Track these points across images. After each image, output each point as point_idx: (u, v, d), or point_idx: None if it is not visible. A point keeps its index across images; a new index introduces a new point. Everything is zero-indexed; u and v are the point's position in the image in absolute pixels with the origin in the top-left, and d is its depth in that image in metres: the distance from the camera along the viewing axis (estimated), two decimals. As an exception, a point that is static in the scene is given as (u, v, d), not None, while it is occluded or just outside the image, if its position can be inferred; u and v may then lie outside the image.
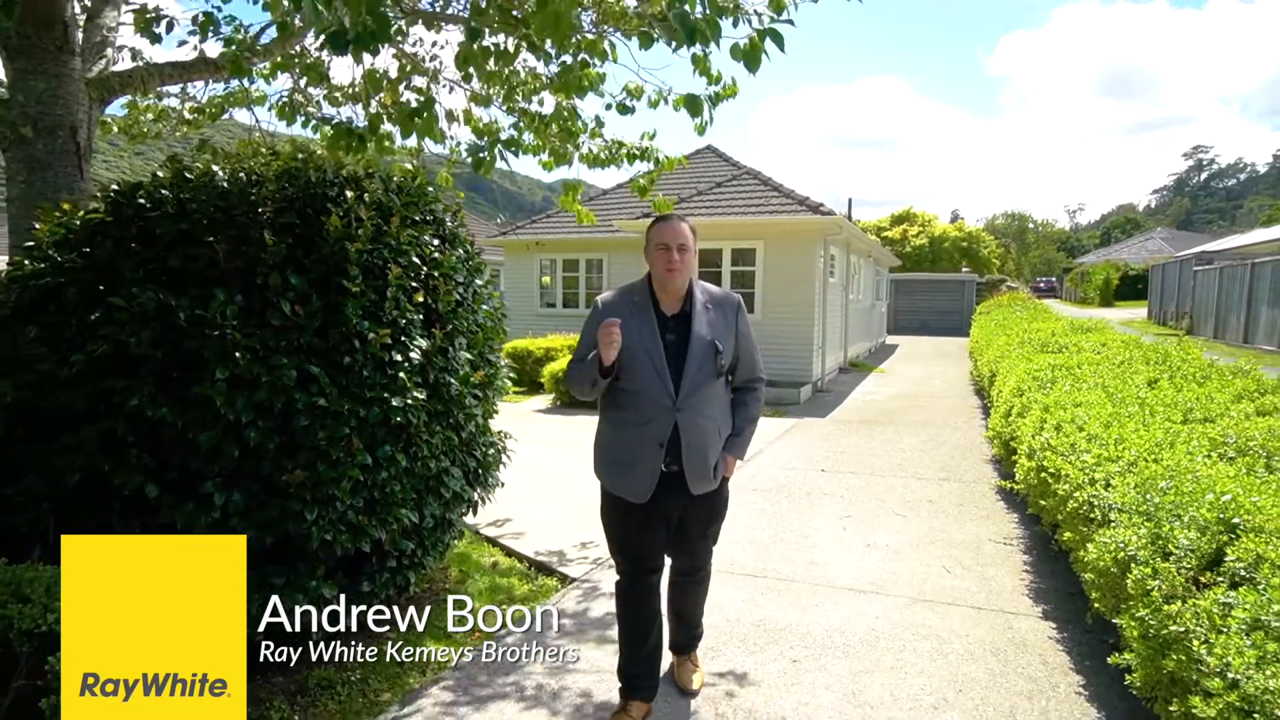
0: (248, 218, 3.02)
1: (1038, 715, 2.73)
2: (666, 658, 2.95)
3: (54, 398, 2.65)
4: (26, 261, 2.90)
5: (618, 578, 2.74)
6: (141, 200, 3.05)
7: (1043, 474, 3.78)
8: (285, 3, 4.25)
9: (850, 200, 23.55)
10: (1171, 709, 1.97)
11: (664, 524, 2.66)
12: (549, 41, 3.23)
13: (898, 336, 25.27)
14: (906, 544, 4.68)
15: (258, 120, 5.68)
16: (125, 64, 4.61)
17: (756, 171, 13.40)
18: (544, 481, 6.11)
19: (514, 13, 2.48)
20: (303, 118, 5.95)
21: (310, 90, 5.69)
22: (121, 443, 2.63)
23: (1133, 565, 2.34)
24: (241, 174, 3.22)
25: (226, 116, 6.58)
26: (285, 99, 5.74)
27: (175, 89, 6.06)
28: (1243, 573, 1.93)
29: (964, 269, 34.14)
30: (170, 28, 4.37)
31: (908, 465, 6.86)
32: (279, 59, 5.39)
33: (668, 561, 2.83)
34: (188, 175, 3.14)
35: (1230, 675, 1.66)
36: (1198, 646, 1.84)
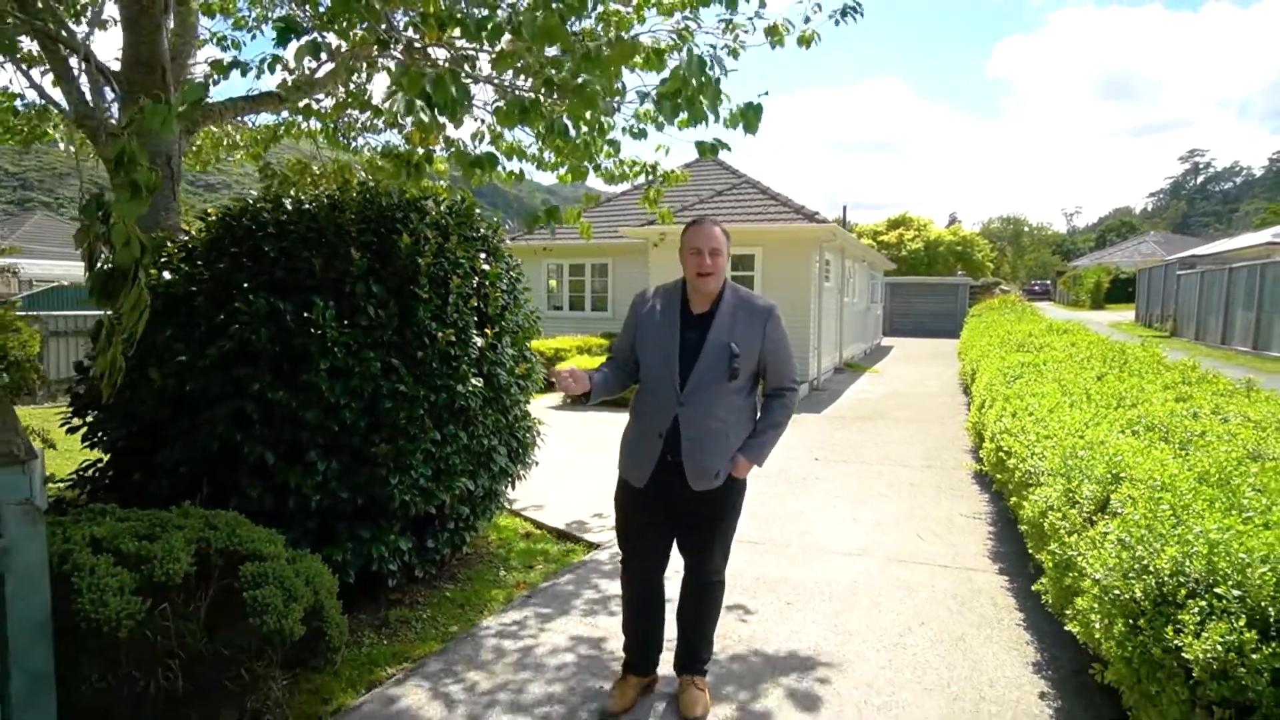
0: (336, 237, 3.67)
1: (983, 639, 3.39)
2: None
3: (195, 382, 3.30)
4: (165, 274, 3.54)
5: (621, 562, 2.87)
6: (247, 222, 3.71)
7: (1000, 453, 4.44)
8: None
9: (845, 207, 24.27)
10: (1067, 613, 2.62)
11: (663, 513, 2.71)
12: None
13: (893, 338, 25.93)
14: (888, 519, 5.33)
15: (318, 144, 6.30)
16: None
17: (755, 181, 14.09)
18: (563, 470, 6.75)
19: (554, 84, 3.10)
20: (345, 139, 6.62)
21: (356, 115, 6.34)
22: (249, 419, 3.28)
23: (1049, 513, 3.00)
24: (326, 199, 3.88)
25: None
26: (332, 125, 6.39)
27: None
28: (1119, 510, 2.58)
29: (959, 272, 34.85)
30: (245, 73, 5.03)
31: (894, 455, 7.51)
32: (329, 90, 6.05)
33: (676, 561, 2.86)
34: (284, 202, 3.81)
35: (1096, 576, 2.31)
36: (1081, 563, 2.49)
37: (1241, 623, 1.71)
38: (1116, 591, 2.10)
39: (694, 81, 2.84)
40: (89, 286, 2.33)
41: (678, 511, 2.70)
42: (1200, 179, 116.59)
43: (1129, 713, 2.20)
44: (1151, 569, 2.00)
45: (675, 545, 2.84)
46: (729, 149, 3.78)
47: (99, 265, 2.37)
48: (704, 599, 2.81)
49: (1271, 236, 20.59)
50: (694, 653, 2.82)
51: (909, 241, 37.07)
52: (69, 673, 2.12)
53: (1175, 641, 1.83)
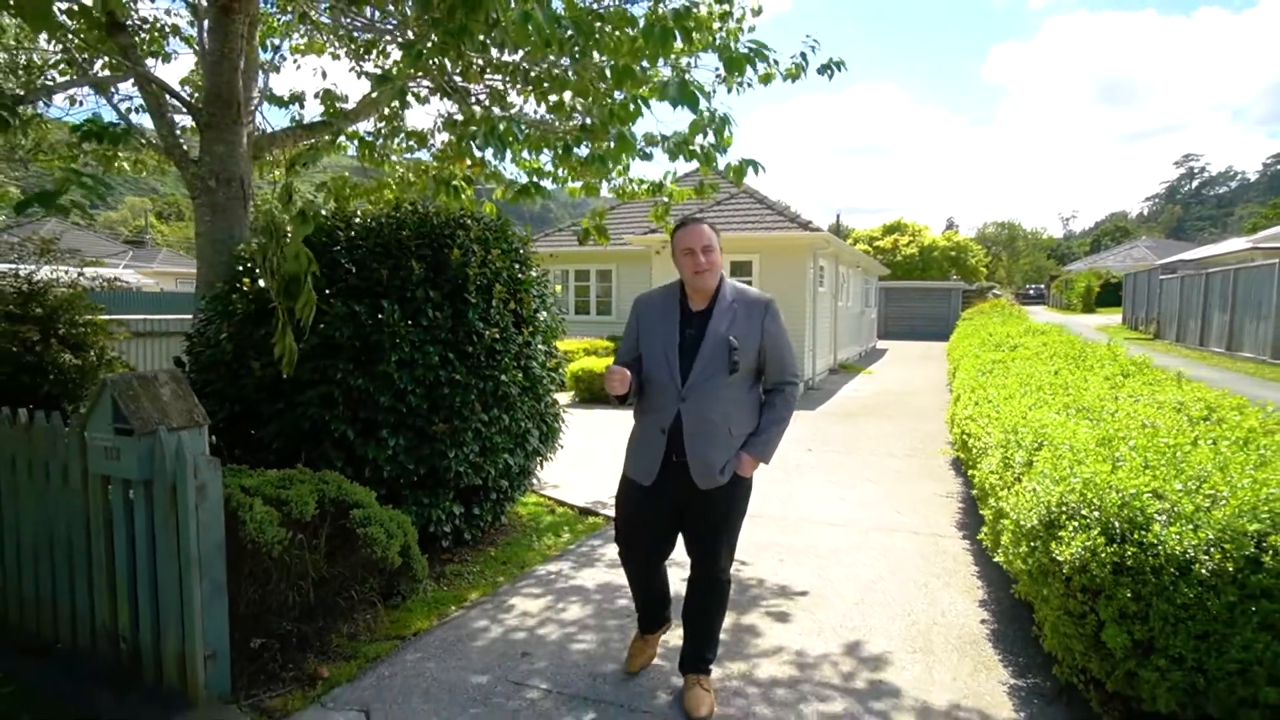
0: (399, 250, 4.36)
1: (941, 584, 4.08)
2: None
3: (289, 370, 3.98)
4: (260, 282, 4.23)
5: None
6: (323, 238, 4.40)
7: (964, 435, 5.14)
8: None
9: (839, 214, 25.11)
10: (997, 551, 3.31)
11: (667, 511, 2.76)
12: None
13: (887, 341, 26.66)
14: (871, 498, 6.02)
15: (364, 166, 7.01)
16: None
17: (753, 191, 14.81)
18: (579, 458, 7.43)
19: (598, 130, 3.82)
20: (381, 158, 7.33)
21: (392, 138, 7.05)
22: (334, 401, 3.97)
23: (990, 476, 3.69)
24: (388, 218, 4.57)
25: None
26: (369, 141, 7.10)
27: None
28: (1039, 468, 3.27)
29: (952, 277, 35.59)
30: (302, 104, 5.74)
31: (881, 447, 8.21)
32: (366, 116, 6.76)
33: (679, 559, 2.98)
34: (354, 219, 4.50)
35: (1014, 516, 3.00)
36: (1008, 509, 3.18)
37: (1095, 532, 2.39)
38: (1023, 523, 2.79)
39: (709, 133, 3.56)
40: (273, 289, 3.01)
41: (684, 512, 2.74)
42: (1195, 183, 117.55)
43: (1034, 616, 2.89)
44: (1045, 502, 2.69)
45: (682, 543, 2.90)
46: (718, 189, 4.46)
47: (278, 272, 3.05)
48: (710, 598, 2.82)
49: (1251, 243, 21.33)
50: (700, 653, 2.83)
51: (904, 247, 37.84)
52: (233, 590, 2.80)
53: (1056, 552, 2.52)
